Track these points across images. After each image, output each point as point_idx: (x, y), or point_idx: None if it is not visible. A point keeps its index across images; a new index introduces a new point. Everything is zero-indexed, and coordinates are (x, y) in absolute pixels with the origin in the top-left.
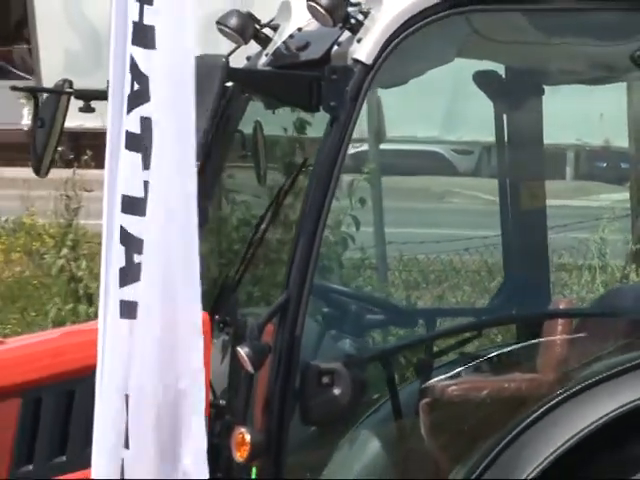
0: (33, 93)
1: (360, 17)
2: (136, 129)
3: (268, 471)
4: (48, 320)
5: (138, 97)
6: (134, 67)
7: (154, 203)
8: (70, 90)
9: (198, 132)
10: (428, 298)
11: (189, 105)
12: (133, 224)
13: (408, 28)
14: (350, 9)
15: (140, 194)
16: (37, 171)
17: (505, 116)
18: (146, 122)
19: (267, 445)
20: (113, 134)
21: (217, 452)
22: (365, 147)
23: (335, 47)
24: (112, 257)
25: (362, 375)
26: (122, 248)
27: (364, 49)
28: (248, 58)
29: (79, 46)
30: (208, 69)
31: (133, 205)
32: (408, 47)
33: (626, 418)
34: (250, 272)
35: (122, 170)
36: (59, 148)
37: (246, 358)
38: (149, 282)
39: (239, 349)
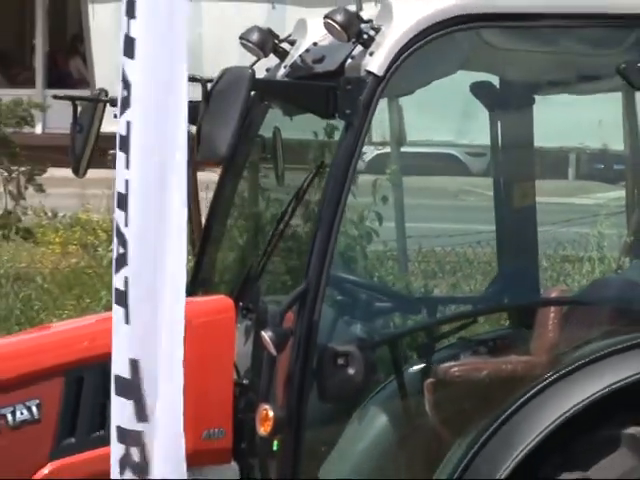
0: (72, 101)
1: (372, 33)
2: (123, 132)
3: (289, 444)
4: (100, 306)
5: (125, 103)
6: (123, 76)
7: (133, 198)
8: (105, 98)
9: (226, 135)
10: (444, 286)
11: (175, 110)
12: (121, 218)
13: (415, 43)
14: (362, 25)
15: (124, 190)
16: (76, 171)
17: (499, 122)
18: (129, 125)
19: (288, 420)
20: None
21: (242, 427)
22: (387, 150)
23: (349, 60)
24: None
25: (373, 357)
26: (115, 240)
27: (376, 62)
28: (267, 70)
29: None
30: (235, 79)
31: (120, 201)
32: (415, 60)
33: (609, 398)
34: (272, 263)
35: (117, 169)
36: (111, 151)
37: (269, 342)
38: (132, 271)
39: (263, 333)
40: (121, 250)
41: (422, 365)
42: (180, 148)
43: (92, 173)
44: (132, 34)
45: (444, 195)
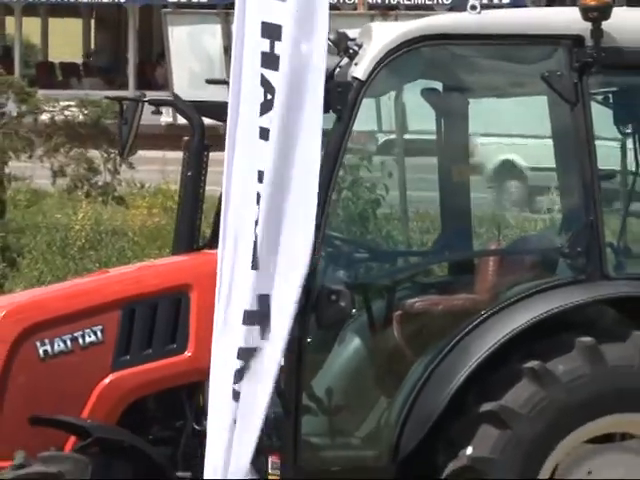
0: (119, 101)
1: (356, 48)
2: (266, 125)
3: (294, 360)
4: None
5: (269, 104)
6: (266, 83)
7: (271, 177)
8: (145, 99)
9: None
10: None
11: (316, 109)
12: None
13: (390, 56)
14: (349, 42)
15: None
16: (121, 154)
17: (442, 120)
18: (272, 121)
19: (296, 341)
20: (242, 128)
21: None
22: (393, 136)
23: (338, 69)
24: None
25: (356, 294)
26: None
27: (360, 70)
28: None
29: (198, 68)
30: None
31: (260, 176)
32: (390, 69)
33: (537, 325)
34: None
35: (255, 155)
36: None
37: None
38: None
39: None
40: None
41: (392, 301)
42: (318, 138)
43: (171, 154)
44: (276, 52)
45: (435, 171)
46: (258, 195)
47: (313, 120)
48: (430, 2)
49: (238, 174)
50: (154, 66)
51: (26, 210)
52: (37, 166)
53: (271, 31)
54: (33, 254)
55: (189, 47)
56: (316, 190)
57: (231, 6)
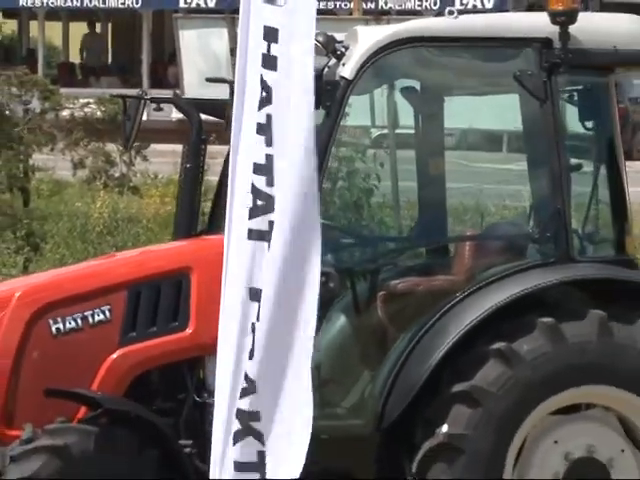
0: (122, 98)
1: (343, 50)
2: (263, 120)
3: None
4: None
5: (266, 100)
6: (264, 82)
7: (276, 165)
8: (146, 97)
9: None
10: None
11: (306, 106)
12: (261, 180)
13: (374, 57)
14: (337, 44)
15: (264, 162)
16: (125, 146)
17: (420, 115)
18: (269, 117)
19: None
20: (244, 123)
21: None
22: (386, 131)
23: (326, 69)
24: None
25: (344, 276)
26: (251, 195)
27: (347, 70)
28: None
29: (206, 68)
30: None
31: (260, 168)
32: (374, 69)
33: (510, 304)
34: None
35: (251, 148)
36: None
37: None
38: (277, 217)
39: None
40: (259, 202)
41: (376, 283)
42: (310, 132)
43: (181, 147)
44: (273, 53)
45: (407, 162)
46: (252, 185)
47: (305, 115)
48: (419, 8)
49: (239, 165)
50: (166, 66)
51: (49, 199)
52: (59, 158)
53: (270, 34)
54: (55, 239)
55: (198, 49)
56: (314, 172)
57: (236, 11)
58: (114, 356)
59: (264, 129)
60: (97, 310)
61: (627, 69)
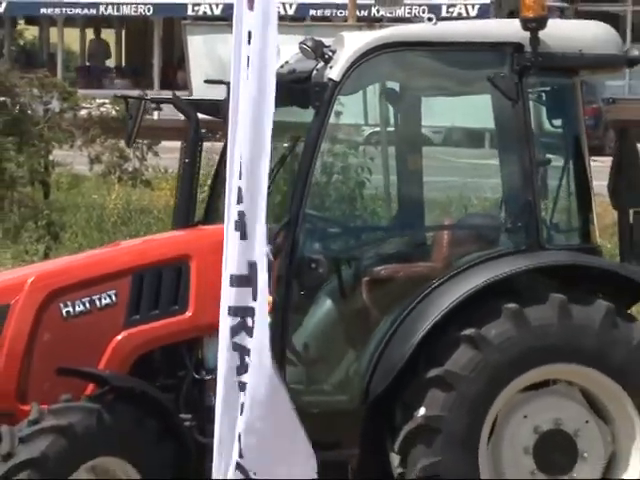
0: (125, 99)
1: (331, 54)
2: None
3: (280, 318)
4: None
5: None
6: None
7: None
8: (147, 97)
9: None
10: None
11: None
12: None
13: (359, 61)
14: (324, 49)
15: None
16: (127, 143)
17: (401, 114)
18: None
19: (283, 302)
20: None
21: None
22: (378, 129)
23: (315, 71)
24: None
25: (332, 263)
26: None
27: (334, 72)
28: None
29: (212, 71)
30: None
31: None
32: (359, 71)
33: (483, 290)
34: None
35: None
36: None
37: (269, 252)
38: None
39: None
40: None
41: (361, 269)
42: (266, 131)
43: None
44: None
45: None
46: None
47: (269, 105)
48: (409, 15)
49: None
50: (175, 69)
51: (67, 192)
52: (77, 154)
53: (248, 37)
54: (74, 229)
55: (205, 53)
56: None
57: None
58: (119, 337)
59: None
60: (104, 294)
61: (592, 71)
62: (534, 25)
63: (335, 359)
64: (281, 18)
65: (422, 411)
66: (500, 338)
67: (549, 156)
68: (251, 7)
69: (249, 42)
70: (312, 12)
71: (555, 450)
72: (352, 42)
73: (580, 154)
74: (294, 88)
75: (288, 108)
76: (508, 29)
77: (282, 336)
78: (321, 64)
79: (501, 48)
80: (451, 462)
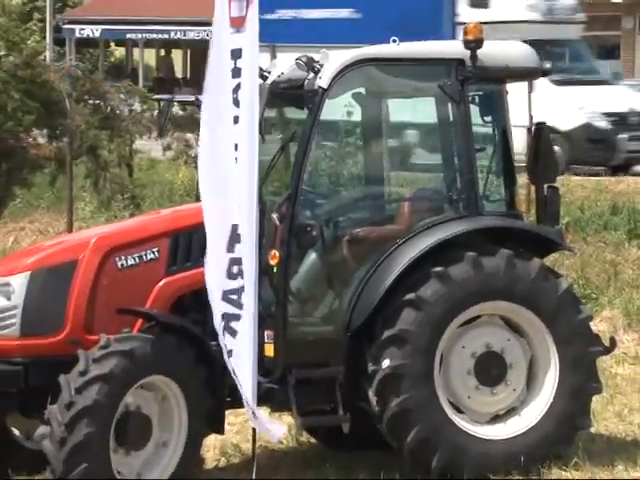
0: (157, 101)
1: (319, 66)
2: (237, 113)
3: (282, 270)
4: None
5: (237, 101)
6: (236, 86)
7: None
8: (173, 99)
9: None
10: None
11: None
12: None
13: (342, 72)
14: (314, 63)
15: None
16: (159, 134)
17: (371, 113)
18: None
19: (284, 257)
20: (224, 116)
21: None
22: (356, 124)
23: (307, 80)
24: None
25: (322, 227)
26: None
27: (322, 81)
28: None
29: None
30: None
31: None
32: (342, 81)
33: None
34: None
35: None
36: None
37: (276, 218)
38: None
39: (272, 215)
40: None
41: (344, 230)
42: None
43: None
44: (239, 65)
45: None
46: (236, 159)
47: (254, 104)
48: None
49: (221, 147)
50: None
51: (146, 172)
52: (153, 143)
53: (235, 54)
54: (151, 200)
55: None
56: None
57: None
58: (161, 284)
59: (238, 119)
60: (149, 251)
61: (515, 80)
62: (473, 45)
63: (324, 299)
64: None
65: (386, 362)
66: (461, 277)
67: (483, 145)
68: (238, 31)
69: (234, 57)
70: None
71: (490, 367)
72: (335, 58)
73: (507, 142)
74: (291, 93)
75: (286, 109)
76: (453, 48)
77: (285, 281)
78: (312, 75)
79: (448, 63)
80: (415, 397)
